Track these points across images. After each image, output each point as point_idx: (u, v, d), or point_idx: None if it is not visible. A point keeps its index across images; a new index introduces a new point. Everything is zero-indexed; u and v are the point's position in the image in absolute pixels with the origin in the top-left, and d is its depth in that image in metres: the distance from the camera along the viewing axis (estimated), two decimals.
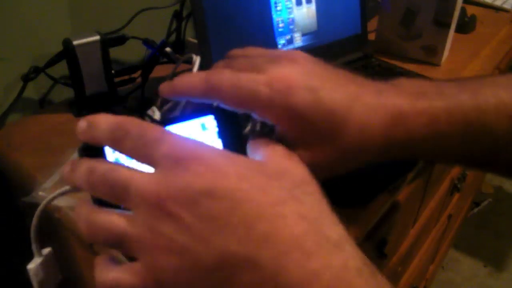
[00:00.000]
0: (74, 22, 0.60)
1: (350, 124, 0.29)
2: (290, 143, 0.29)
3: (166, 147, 0.24)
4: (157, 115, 0.49)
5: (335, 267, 0.22)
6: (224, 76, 0.29)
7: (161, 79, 0.55)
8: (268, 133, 0.31)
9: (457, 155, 0.32)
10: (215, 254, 0.22)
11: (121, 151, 0.26)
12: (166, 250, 0.23)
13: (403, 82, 0.32)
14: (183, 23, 0.71)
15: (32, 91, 0.59)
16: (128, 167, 0.25)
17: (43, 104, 0.61)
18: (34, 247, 0.35)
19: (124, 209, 0.25)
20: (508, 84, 0.31)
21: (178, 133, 0.26)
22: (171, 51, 0.59)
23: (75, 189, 0.27)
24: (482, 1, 1.01)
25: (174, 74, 0.55)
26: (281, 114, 0.28)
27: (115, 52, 0.57)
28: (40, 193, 0.40)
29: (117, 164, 0.26)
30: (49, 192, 0.40)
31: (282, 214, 0.22)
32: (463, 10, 0.84)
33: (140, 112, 0.49)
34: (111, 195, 0.25)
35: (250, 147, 0.29)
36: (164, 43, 0.57)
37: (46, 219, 0.43)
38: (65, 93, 0.59)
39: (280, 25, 0.59)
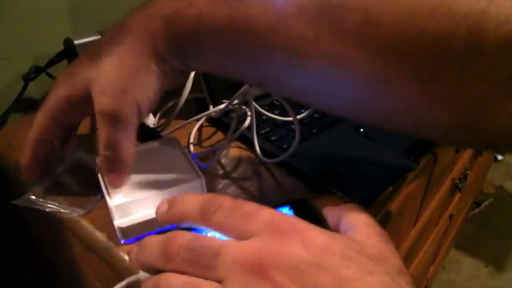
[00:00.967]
0: (75, 22, 0.60)
1: (135, 28, 0.30)
2: None
3: (266, 217, 0.24)
4: (151, 120, 0.48)
5: None
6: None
7: None
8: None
9: (222, 60, 0.31)
10: None
11: (210, 225, 0.26)
12: None
13: None
14: None
15: (33, 91, 0.59)
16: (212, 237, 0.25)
17: None
18: None
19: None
20: None
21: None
22: None
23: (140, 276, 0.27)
24: None
25: None
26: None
27: None
28: (32, 197, 0.40)
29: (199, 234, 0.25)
30: (40, 196, 0.40)
31: None
32: None
33: None
34: (196, 265, 0.24)
35: (343, 219, 0.28)
36: None
37: (47, 221, 0.43)
38: None
39: None
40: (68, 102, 0.34)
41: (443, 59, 0.25)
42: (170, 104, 0.51)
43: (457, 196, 1.07)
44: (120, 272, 0.34)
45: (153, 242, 0.26)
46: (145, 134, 0.45)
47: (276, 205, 0.33)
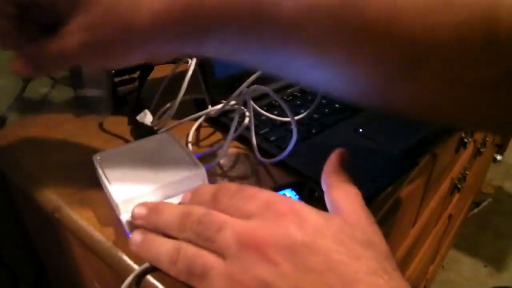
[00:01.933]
0: None
1: None
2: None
3: (265, 199, 0.27)
4: (148, 118, 0.48)
5: None
6: None
7: (160, 80, 0.55)
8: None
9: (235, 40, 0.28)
10: None
11: (218, 208, 0.29)
12: None
13: None
14: None
15: (32, 91, 0.59)
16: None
17: (43, 104, 0.61)
18: None
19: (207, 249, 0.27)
20: None
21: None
22: None
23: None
24: None
25: (174, 75, 0.55)
26: None
27: None
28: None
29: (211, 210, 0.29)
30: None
31: (376, 283, 0.23)
32: None
33: (134, 114, 0.49)
34: (202, 235, 0.27)
35: (332, 204, 0.30)
36: None
37: (46, 219, 0.43)
38: (65, 93, 0.59)
39: None
40: None
41: (461, 50, 0.24)
42: (168, 105, 0.51)
43: (456, 196, 1.07)
44: (120, 272, 0.34)
45: (172, 211, 0.30)
46: (143, 133, 0.46)
47: (278, 187, 0.35)
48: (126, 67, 0.60)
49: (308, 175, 0.42)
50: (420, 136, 0.50)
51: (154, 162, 0.39)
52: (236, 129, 0.44)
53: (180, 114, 0.47)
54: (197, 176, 0.37)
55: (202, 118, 0.51)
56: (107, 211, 0.38)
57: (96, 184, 0.40)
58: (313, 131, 0.49)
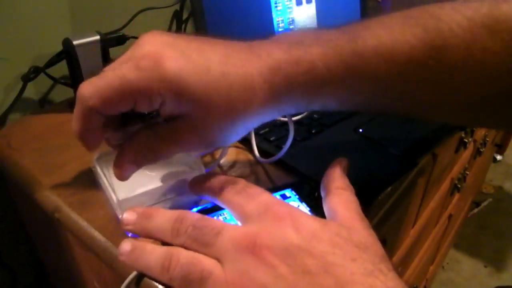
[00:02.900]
0: (74, 22, 0.60)
1: (229, 79, 0.28)
2: (180, 126, 0.29)
3: (264, 201, 0.27)
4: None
5: None
6: (88, 82, 0.28)
7: None
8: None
9: (343, 101, 0.31)
10: None
11: (221, 199, 0.30)
12: None
13: (280, 35, 0.31)
14: (183, 24, 0.71)
15: (32, 91, 0.59)
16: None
17: (43, 104, 0.61)
18: None
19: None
20: (391, 23, 0.30)
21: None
22: None
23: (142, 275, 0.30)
24: None
25: None
26: (158, 88, 0.27)
27: (115, 52, 0.57)
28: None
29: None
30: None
31: (373, 285, 0.23)
32: None
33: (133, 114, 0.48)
34: (199, 240, 0.27)
35: (329, 210, 0.30)
36: None
37: (46, 219, 0.43)
38: (65, 93, 0.59)
39: (280, 25, 0.59)
40: None
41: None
42: None
43: (456, 196, 1.07)
44: (119, 272, 0.33)
45: (164, 216, 0.29)
46: None
47: (278, 187, 0.35)
48: None
49: (308, 175, 0.42)
50: (420, 136, 0.50)
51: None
52: None
53: None
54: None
55: None
56: (107, 211, 0.38)
57: (96, 184, 0.40)
58: (313, 131, 0.49)
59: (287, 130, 0.49)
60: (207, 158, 0.46)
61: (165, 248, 0.28)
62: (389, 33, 0.29)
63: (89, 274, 0.45)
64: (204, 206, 0.34)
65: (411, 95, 0.31)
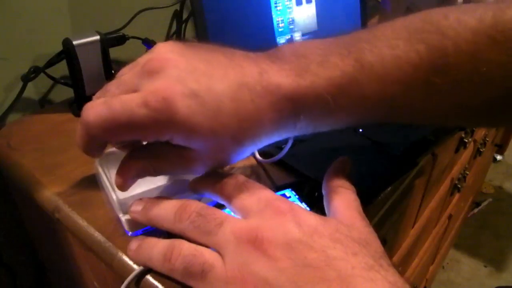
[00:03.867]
0: (74, 22, 0.60)
1: (240, 115, 0.28)
2: (188, 154, 0.29)
3: (266, 197, 0.28)
4: None
5: None
6: (94, 109, 0.27)
7: None
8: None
9: (349, 122, 0.32)
10: None
11: (222, 195, 0.30)
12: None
13: (285, 53, 0.30)
14: (183, 23, 0.71)
15: (32, 91, 0.59)
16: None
17: (43, 104, 0.61)
18: None
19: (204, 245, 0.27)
20: (396, 40, 0.30)
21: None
22: None
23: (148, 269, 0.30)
24: (482, 1, 1.01)
25: None
26: (168, 129, 0.27)
27: (115, 52, 0.57)
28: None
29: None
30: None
31: (374, 278, 0.24)
32: None
33: None
34: (201, 229, 0.27)
35: (330, 208, 0.30)
36: None
37: (46, 219, 0.43)
38: (65, 93, 0.59)
39: (280, 24, 0.59)
40: None
41: None
42: None
43: (456, 196, 1.07)
44: (119, 272, 0.34)
45: (168, 204, 0.29)
46: None
47: (278, 187, 0.35)
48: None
49: (308, 175, 0.42)
50: (420, 136, 0.50)
51: None
52: None
53: None
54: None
55: None
56: (107, 211, 0.38)
57: (96, 184, 0.40)
58: None
59: None
60: None
61: (168, 240, 0.29)
62: (394, 53, 0.29)
63: (89, 274, 0.45)
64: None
65: (415, 109, 0.31)
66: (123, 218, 0.34)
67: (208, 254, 0.26)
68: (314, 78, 0.29)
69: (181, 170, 0.31)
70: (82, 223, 0.38)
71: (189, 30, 0.73)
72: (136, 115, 0.26)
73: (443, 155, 0.68)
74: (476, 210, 1.83)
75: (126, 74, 0.30)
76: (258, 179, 0.44)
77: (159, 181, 0.36)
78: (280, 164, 0.44)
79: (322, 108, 0.29)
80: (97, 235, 0.36)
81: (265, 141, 0.31)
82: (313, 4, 0.61)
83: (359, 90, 0.29)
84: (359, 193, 0.34)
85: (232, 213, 0.30)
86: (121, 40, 0.57)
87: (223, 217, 0.27)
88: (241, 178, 0.31)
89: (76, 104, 0.56)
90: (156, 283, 0.31)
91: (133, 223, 0.34)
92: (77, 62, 0.51)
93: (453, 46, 0.28)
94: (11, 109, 0.55)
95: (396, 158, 0.46)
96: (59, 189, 0.41)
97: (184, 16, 0.71)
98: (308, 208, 0.34)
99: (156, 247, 0.29)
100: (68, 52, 0.51)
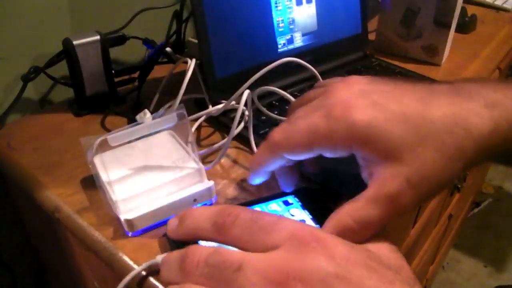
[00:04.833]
0: (74, 22, 0.60)
1: (435, 123, 0.26)
2: (376, 169, 0.27)
3: (288, 229, 0.24)
4: (148, 118, 0.48)
5: None
6: (279, 128, 0.30)
7: (160, 80, 0.55)
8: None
9: None
10: None
11: (226, 240, 0.25)
12: None
13: (472, 90, 0.29)
14: (183, 23, 0.71)
15: (32, 91, 0.59)
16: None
17: (43, 104, 0.61)
18: None
19: None
20: None
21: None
22: (171, 51, 0.59)
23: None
24: (482, 1, 1.01)
25: (174, 75, 0.55)
26: (348, 139, 0.27)
27: (115, 52, 0.57)
28: None
29: (219, 247, 0.25)
30: None
31: None
32: (463, 10, 0.84)
33: (133, 114, 0.48)
34: (216, 279, 0.23)
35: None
36: (163, 46, 0.57)
37: (46, 219, 0.43)
38: (65, 93, 0.59)
39: (281, 25, 0.59)
40: None
41: None
42: (168, 104, 0.51)
43: (456, 196, 1.07)
44: (119, 271, 0.34)
45: (173, 257, 0.26)
46: None
47: (280, 194, 0.34)
48: (126, 67, 0.60)
49: (308, 176, 0.42)
50: None
51: (153, 160, 0.39)
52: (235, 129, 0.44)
53: None
54: (195, 174, 0.37)
55: (203, 117, 0.51)
56: (107, 211, 0.38)
57: (96, 184, 0.40)
58: None
59: None
60: (207, 158, 0.46)
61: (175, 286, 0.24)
62: None
63: (89, 274, 0.45)
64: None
65: None
66: (123, 218, 0.34)
67: None
68: (508, 123, 0.28)
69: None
70: (82, 223, 0.38)
71: (189, 30, 0.73)
72: (316, 125, 0.27)
73: None
74: (476, 210, 1.83)
75: (314, 99, 0.31)
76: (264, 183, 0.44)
77: (157, 181, 0.36)
78: None
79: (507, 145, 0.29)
80: (97, 235, 0.36)
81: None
82: (314, 4, 0.61)
83: None
84: (358, 193, 0.34)
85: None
86: (121, 40, 0.57)
87: (239, 259, 0.23)
88: (243, 213, 0.26)
89: (76, 104, 0.56)
90: (156, 283, 0.31)
91: (131, 223, 0.34)
92: (77, 62, 0.51)
93: None
94: (11, 109, 0.55)
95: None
96: (59, 189, 0.41)
97: (184, 16, 0.71)
98: (310, 216, 0.34)
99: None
100: (68, 52, 0.51)
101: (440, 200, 0.86)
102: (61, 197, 0.41)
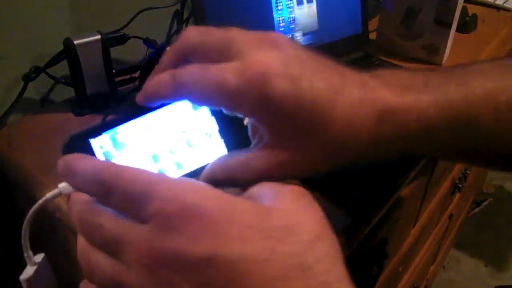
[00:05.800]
0: (74, 22, 0.60)
1: (334, 117, 0.26)
2: (267, 141, 0.26)
3: (154, 203, 0.21)
4: None
5: None
6: (192, 68, 0.26)
7: None
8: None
9: (446, 149, 0.31)
10: None
11: (110, 207, 0.24)
12: None
13: (386, 73, 0.30)
14: (184, 23, 0.71)
15: (33, 91, 0.59)
16: (125, 217, 0.23)
17: (44, 104, 0.61)
18: (26, 255, 0.32)
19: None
20: (491, 72, 0.30)
21: (171, 177, 0.23)
22: None
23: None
24: (483, 1, 1.01)
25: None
26: (254, 105, 0.25)
27: (116, 52, 0.57)
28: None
29: (115, 213, 0.23)
30: None
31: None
32: (464, 10, 0.84)
33: None
34: (106, 246, 0.23)
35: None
36: (164, 46, 0.57)
37: (46, 219, 0.43)
38: (66, 92, 0.59)
39: (281, 24, 0.59)
40: None
41: None
42: None
43: (457, 196, 1.07)
44: None
45: (76, 207, 0.25)
46: None
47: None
48: (127, 66, 0.60)
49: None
50: None
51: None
52: None
53: None
54: None
55: None
56: None
57: None
58: None
59: None
60: None
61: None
62: (493, 81, 0.30)
63: None
64: None
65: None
66: None
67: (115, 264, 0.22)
68: (418, 95, 0.28)
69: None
70: None
71: None
72: (225, 80, 0.25)
73: None
74: (476, 210, 1.83)
75: (235, 42, 0.27)
76: None
77: None
78: None
79: (426, 127, 0.29)
80: None
81: (348, 158, 0.28)
82: (314, 3, 0.61)
83: (462, 112, 0.29)
84: (359, 193, 0.34)
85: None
86: (122, 39, 0.57)
87: (122, 234, 0.22)
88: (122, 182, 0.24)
89: (77, 104, 0.56)
90: None
91: None
92: (78, 61, 0.51)
93: None
94: (12, 109, 0.55)
95: (396, 158, 0.46)
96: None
97: (185, 15, 0.71)
98: (218, 127, 0.33)
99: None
100: (69, 52, 0.51)
101: (440, 199, 0.87)
102: (62, 197, 0.40)
